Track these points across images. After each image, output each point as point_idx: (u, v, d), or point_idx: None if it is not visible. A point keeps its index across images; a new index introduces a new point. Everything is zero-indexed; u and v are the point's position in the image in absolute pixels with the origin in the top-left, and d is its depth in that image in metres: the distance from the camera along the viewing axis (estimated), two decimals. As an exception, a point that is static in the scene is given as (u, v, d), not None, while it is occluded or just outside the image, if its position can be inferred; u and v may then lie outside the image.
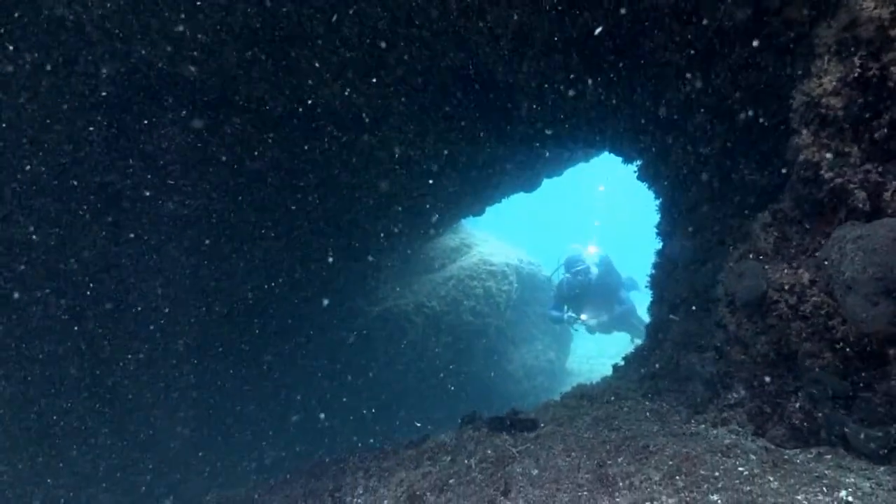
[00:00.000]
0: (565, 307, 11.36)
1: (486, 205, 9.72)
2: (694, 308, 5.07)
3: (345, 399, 8.66)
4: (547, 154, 7.86)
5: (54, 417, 5.83)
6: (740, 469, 3.09)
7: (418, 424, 9.02)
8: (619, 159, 7.01)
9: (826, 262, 2.74)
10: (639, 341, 11.03)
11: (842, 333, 2.87)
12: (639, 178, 6.83)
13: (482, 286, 12.04)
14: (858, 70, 2.54)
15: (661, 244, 6.28)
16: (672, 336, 5.24)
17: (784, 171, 3.85)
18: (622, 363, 6.23)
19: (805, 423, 3.29)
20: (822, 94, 2.73)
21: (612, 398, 4.81)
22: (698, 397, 4.17)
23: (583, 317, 11.23)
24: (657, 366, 5.17)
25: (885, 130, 2.56)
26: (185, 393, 6.79)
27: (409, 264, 11.17)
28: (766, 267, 3.34)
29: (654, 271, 6.22)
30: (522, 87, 5.84)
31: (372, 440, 7.37)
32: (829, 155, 2.78)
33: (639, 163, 6.77)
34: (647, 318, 11.77)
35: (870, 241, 2.40)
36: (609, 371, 6.28)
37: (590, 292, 11.14)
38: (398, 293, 10.45)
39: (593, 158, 9.69)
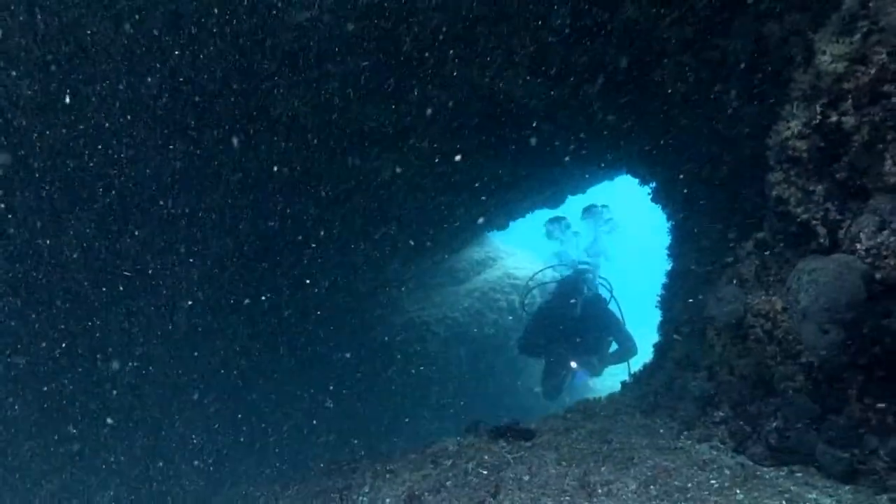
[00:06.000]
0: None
1: (511, 219, 9.95)
2: (694, 329, 5.24)
3: (361, 405, 8.91)
4: (567, 173, 8.10)
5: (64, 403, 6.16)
6: (712, 482, 3.29)
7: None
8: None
9: (788, 292, 2.95)
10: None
11: (807, 358, 3.06)
12: (652, 199, 7.02)
13: (506, 299, 12.16)
14: (819, 117, 2.75)
15: (670, 265, 6.45)
16: (674, 355, 5.42)
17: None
18: (630, 381, 6.40)
19: (779, 443, 3.47)
20: (790, 136, 2.94)
21: (612, 413, 5.02)
22: (689, 414, 4.36)
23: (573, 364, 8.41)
24: (658, 384, 5.36)
25: (845, 173, 2.76)
26: (202, 399, 7.12)
27: (434, 276, 11.39)
28: (748, 293, 3.54)
29: (662, 292, 6.39)
30: (539, 110, 6.11)
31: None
32: (797, 192, 2.99)
33: (653, 185, 6.97)
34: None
35: (821, 273, 2.61)
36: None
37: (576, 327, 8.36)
38: (421, 304, 10.70)
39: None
